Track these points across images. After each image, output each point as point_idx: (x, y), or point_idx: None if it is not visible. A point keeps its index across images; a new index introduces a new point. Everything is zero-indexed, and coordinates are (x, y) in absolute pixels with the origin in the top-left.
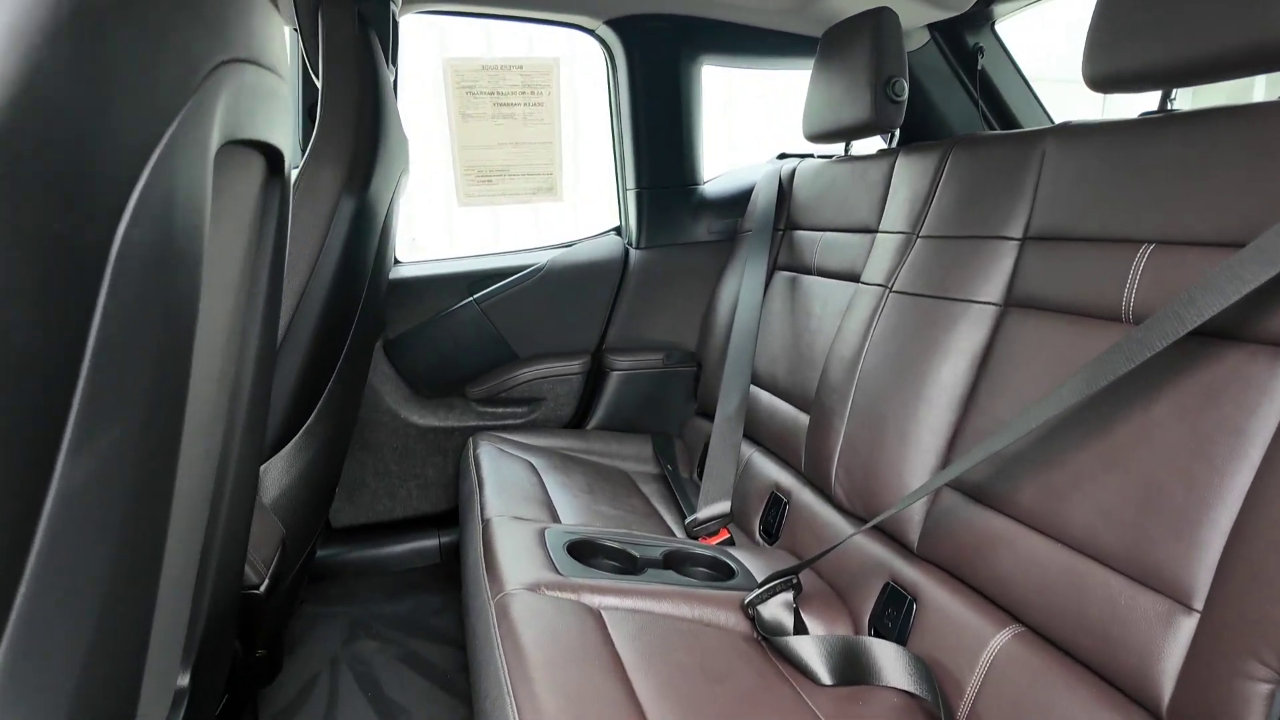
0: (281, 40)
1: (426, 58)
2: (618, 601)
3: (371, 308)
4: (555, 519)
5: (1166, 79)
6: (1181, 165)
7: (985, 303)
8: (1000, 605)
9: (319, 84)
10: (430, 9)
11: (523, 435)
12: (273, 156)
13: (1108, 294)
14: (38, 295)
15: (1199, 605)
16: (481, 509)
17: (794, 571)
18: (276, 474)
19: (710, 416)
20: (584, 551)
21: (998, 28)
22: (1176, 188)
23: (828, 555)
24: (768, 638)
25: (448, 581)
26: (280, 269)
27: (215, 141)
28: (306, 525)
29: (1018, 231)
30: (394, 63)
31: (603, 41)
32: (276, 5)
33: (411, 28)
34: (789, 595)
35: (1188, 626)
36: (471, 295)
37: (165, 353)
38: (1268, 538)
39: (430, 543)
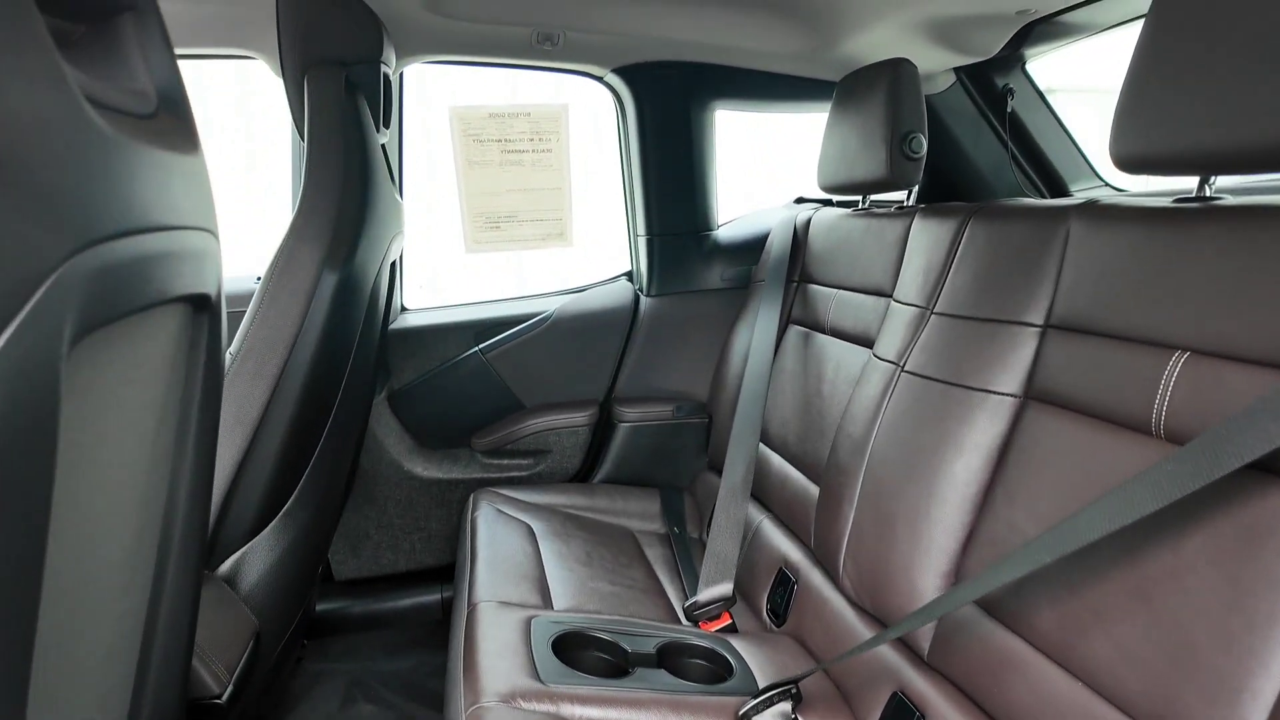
0: (191, 179)
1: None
2: (599, 713)
3: (359, 378)
4: (547, 600)
5: (1204, 166)
6: (1223, 266)
7: (1003, 394)
8: None
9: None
10: (430, 60)
11: (526, 491)
12: (194, 298)
13: (1136, 402)
14: None
15: None
16: (470, 588)
17: (793, 682)
18: (253, 561)
19: (721, 473)
20: (571, 644)
21: (1028, 68)
22: (1216, 291)
23: (838, 651)
24: None
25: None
26: (217, 388)
27: (68, 344)
28: (286, 611)
29: (1038, 318)
30: (386, 124)
31: (611, 89)
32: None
33: (431, 74)
34: (787, 706)
35: None
36: (478, 345)
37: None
38: None
39: (432, 598)
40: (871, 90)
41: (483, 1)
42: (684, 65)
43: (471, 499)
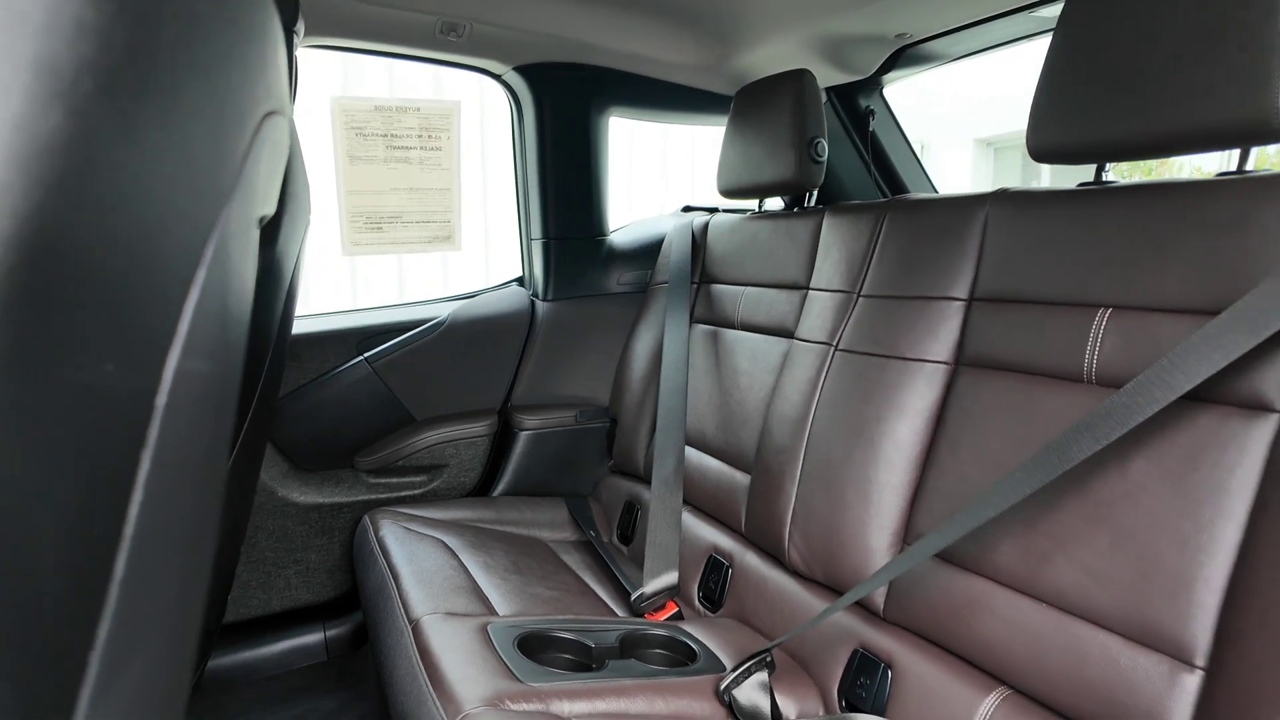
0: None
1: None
2: (589, 707)
3: (271, 386)
4: (491, 610)
5: (1105, 154)
6: (1130, 235)
7: (937, 361)
8: (985, 669)
9: None
10: (323, 44)
11: (425, 509)
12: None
13: (1068, 355)
14: (68, 495)
15: (1201, 662)
16: (404, 608)
17: (767, 651)
18: None
19: (627, 474)
20: (536, 646)
21: (885, 93)
22: (1128, 255)
23: (788, 625)
24: None
25: (339, 682)
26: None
27: (257, 222)
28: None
29: (963, 293)
30: (293, 99)
31: (509, 88)
32: None
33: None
34: (764, 675)
35: (1192, 684)
36: (361, 354)
37: (200, 515)
38: (1262, 595)
39: (315, 638)
40: (777, 98)
41: None
42: (586, 68)
43: (367, 521)
